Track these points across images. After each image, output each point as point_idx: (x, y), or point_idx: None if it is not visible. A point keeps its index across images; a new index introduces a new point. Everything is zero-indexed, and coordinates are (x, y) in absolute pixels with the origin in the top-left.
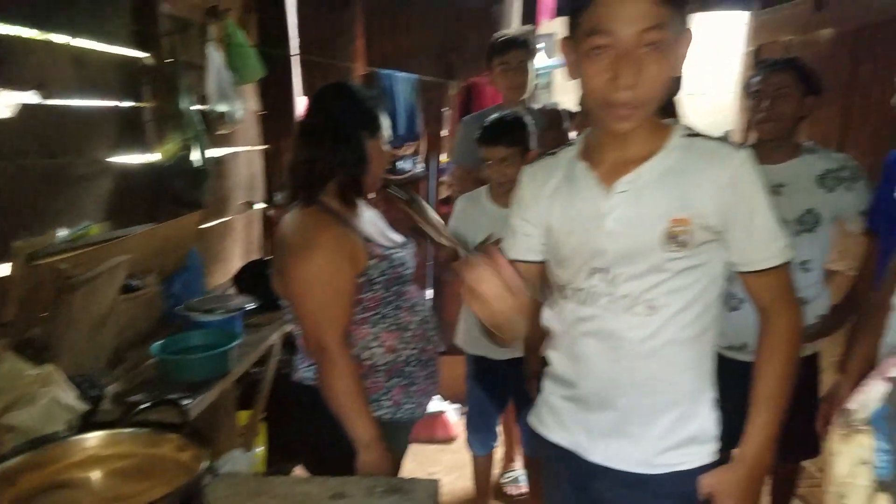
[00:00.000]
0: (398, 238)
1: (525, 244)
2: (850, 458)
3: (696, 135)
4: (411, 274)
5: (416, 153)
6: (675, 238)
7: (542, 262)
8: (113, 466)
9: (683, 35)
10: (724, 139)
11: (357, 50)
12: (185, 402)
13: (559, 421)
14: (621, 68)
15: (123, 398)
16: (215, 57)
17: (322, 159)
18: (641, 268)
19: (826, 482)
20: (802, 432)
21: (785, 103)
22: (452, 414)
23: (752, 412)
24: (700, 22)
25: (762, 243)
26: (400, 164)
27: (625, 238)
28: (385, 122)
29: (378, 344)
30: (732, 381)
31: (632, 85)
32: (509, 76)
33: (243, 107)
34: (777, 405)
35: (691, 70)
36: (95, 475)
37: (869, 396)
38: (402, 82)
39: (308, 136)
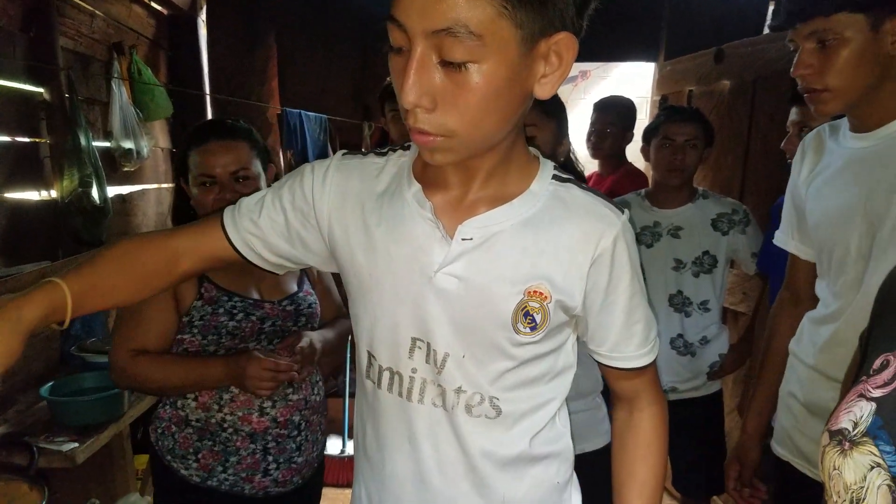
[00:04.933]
0: (291, 288)
1: (268, 231)
2: (857, 466)
3: (569, 180)
4: (258, 330)
5: None
6: (528, 315)
7: (249, 262)
8: None
9: (517, 46)
10: (601, 193)
11: (271, 90)
12: (72, 445)
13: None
14: (406, 74)
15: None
16: (120, 93)
17: (172, 203)
18: (480, 350)
19: (830, 496)
20: (710, 469)
21: (693, 153)
22: None
23: None
24: (615, 71)
25: (636, 338)
26: None
27: (462, 303)
28: (196, 163)
29: (193, 397)
30: None
31: (416, 104)
32: (401, 123)
33: (150, 144)
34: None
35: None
36: None
37: (858, 416)
38: (313, 122)
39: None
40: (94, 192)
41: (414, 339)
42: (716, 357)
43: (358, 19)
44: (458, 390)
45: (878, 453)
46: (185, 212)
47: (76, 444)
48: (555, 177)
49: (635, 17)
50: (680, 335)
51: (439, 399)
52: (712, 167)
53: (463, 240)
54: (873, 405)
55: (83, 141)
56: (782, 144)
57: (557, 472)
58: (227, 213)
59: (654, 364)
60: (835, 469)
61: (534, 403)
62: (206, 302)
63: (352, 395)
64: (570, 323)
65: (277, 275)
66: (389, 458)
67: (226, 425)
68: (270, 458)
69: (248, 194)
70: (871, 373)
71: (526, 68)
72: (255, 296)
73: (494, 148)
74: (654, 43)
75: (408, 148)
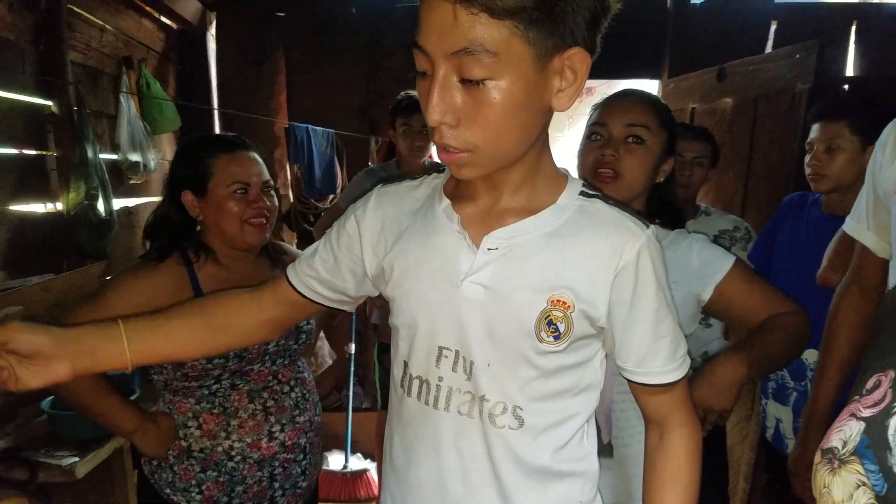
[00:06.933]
0: None
1: (321, 270)
2: (845, 485)
3: (596, 196)
4: (263, 351)
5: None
6: (552, 324)
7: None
8: None
9: (517, 60)
10: (628, 208)
11: (279, 104)
12: (72, 459)
13: None
14: (430, 94)
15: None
16: (128, 107)
17: (161, 216)
18: (505, 358)
19: None
20: (713, 484)
21: (700, 170)
22: (375, 472)
23: None
24: (619, 88)
25: (663, 352)
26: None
27: (487, 311)
28: (229, 171)
29: (196, 425)
30: None
31: (440, 121)
32: (411, 138)
33: (158, 157)
34: None
35: None
36: None
37: (847, 435)
38: (320, 136)
39: (163, 191)
40: (100, 205)
41: (441, 349)
42: None
43: (365, 35)
44: (483, 399)
45: (863, 472)
46: (183, 225)
47: (76, 459)
48: (582, 192)
49: (640, 35)
50: None
51: (465, 407)
52: (714, 184)
53: (489, 249)
54: (862, 425)
55: (90, 154)
56: (807, 161)
57: (581, 492)
58: (290, 266)
59: (683, 383)
60: (825, 487)
61: (558, 417)
62: None
63: (354, 410)
64: (598, 336)
65: None
66: (415, 466)
67: (233, 453)
68: (277, 485)
69: (269, 206)
70: (864, 392)
71: (542, 83)
72: None
73: (520, 160)
74: (657, 61)
75: (441, 171)
